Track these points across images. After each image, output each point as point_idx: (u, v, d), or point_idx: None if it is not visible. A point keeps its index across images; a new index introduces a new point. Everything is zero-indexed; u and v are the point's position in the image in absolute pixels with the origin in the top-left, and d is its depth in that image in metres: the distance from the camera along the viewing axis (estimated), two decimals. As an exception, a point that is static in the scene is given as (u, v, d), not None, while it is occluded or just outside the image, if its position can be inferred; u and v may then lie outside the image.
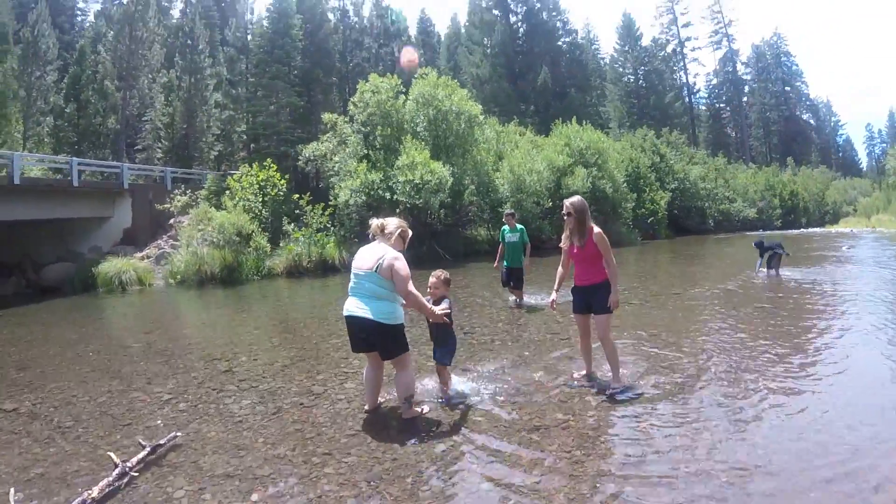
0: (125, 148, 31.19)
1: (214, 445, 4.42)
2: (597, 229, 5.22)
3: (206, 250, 16.91)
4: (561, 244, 5.48)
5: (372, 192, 19.51)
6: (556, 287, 5.63)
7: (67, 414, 5.32)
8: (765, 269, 13.14)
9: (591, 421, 4.65)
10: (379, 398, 5.10)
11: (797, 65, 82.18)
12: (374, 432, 4.58)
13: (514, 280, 9.99)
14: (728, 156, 51.87)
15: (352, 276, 4.73)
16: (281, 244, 18.67)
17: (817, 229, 40.25)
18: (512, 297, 10.25)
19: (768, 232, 33.70)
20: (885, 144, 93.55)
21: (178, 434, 4.55)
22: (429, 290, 5.20)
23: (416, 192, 19.06)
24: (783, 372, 5.75)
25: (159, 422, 5.00)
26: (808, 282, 11.98)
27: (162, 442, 4.33)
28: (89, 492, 3.58)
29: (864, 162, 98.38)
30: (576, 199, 5.33)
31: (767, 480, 3.56)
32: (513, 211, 10.88)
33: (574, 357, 6.43)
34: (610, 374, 5.43)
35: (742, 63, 77.06)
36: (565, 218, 5.30)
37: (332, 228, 19.54)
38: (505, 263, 9.99)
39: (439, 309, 4.96)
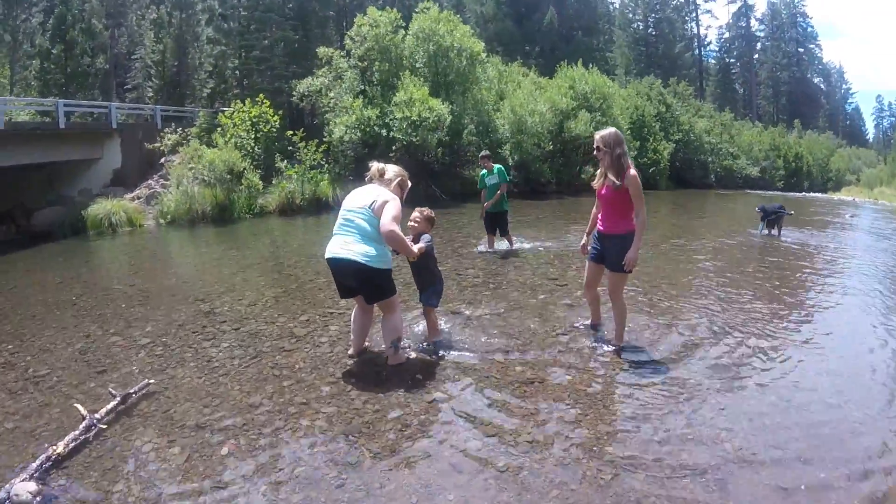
0: (115, 88, 30.12)
1: (188, 393, 4.12)
2: (633, 171, 4.56)
3: (196, 189, 16.41)
4: (593, 183, 4.88)
5: (368, 129, 18.84)
6: (588, 230, 5.13)
7: (43, 362, 4.96)
8: (767, 230, 12.73)
9: (588, 377, 4.34)
10: (365, 342, 4.77)
11: (812, 27, 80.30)
12: (356, 380, 4.26)
13: (499, 226, 9.35)
14: (735, 112, 50.60)
15: (340, 215, 4.32)
16: (274, 182, 18.10)
17: (819, 194, 39.62)
18: (481, 247, 9.63)
19: (770, 193, 33.19)
20: (894, 118, 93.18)
21: (151, 382, 4.24)
22: (409, 224, 4.79)
23: (413, 129, 18.39)
24: (778, 331, 5.51)
25: (135, 367, 4.68)
26: (813, 246, 11.56)
27: (133, 391, 4.03)
28: (55, 447, 3.30)
29: (870, 133, 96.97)
30: (608, 131, 4.70)
31: (755, 444, 3.37)
32: (488, 152, 9.81)
33: (574, 305, 6.11)
34: (614, 330, 5.01)
35: (756, 19, 74.74)
36: (595, 154, 4.72)
37: (327, 166, 18.91)
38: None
39: (417, 246, 4.55)
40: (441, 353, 4.73)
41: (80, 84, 30.27)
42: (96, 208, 15.46)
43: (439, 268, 5.13)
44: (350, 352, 4.70)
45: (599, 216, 4.89)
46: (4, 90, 27.37)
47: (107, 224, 15.08)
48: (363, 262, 4.06)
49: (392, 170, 4.52)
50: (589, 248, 5.09)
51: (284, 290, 7.11)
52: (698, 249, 10.48)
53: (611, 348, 4.86)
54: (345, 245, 4.14)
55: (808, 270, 8.78)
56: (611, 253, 4.70)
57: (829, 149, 56.99)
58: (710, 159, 36.95)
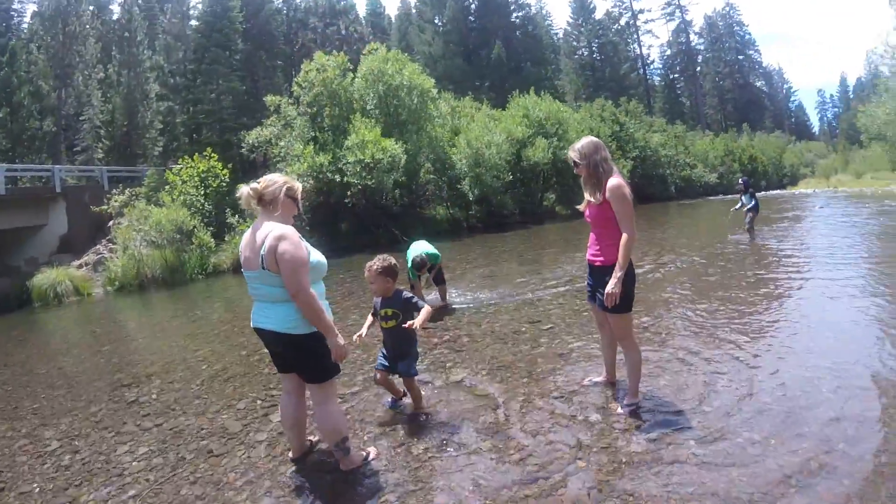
0: (64, 150, 29.11)
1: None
2: (615, 180, 3.74)
3: (144, 252, 15.58)
4: (579, 207, 4.09)
5: (321, 176, 18.23)
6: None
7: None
8: (744, 210, 12.92)
9: (604, 457, 3.44)
10: (308, 438, 3.81)
11: (750, 34, 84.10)
12: (301, 496, 3.31)
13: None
14: (685, 124, 51.85)
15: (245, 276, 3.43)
16: (226, 238, 17.32)
17: (780, 191, 40.53)
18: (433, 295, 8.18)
19: (732, 196, 33.61)
20: (836, 109, 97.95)
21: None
22: (370, 287, 4.09)
23: (367, 172, 17.87)
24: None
25: (35, 486, 3.86)
26: (797, 244, 11.43)
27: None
28: None
29: (816, 126, 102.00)
30: (583, 140, 3.92)
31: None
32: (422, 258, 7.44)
33: (566, 353, 5.39)
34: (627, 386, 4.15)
35: (695, 33, 78.11)
36: (576, 171, 3.93)
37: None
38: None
39: (416, 322, 3.82)
40: (428, 428, 3.94)
41: (27, 147, 29.28)
42: (41, 278, 14.64)
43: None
44: (290, 455, 3.72)
45: (589, 243, 4.07)
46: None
47: (52, 295, 14.22)
48: (284, 331, 3.20)
49: (270, 183, 3.30)
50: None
51: (223, 367, 6.20)
52: (668, 262, 10.05)
53: (625, 408, 3.96)
54: (262, 313, 3.31)
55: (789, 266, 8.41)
56: (601, 290, 3.86)
57: (780, 146, 59.08)
58: (668, 172, 37.50)
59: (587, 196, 3.87)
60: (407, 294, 4.05)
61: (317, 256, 3.31)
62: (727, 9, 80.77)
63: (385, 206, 19.26)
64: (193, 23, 35.92)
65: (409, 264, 7.38)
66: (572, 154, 3.89)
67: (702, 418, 3.79)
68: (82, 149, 28.98)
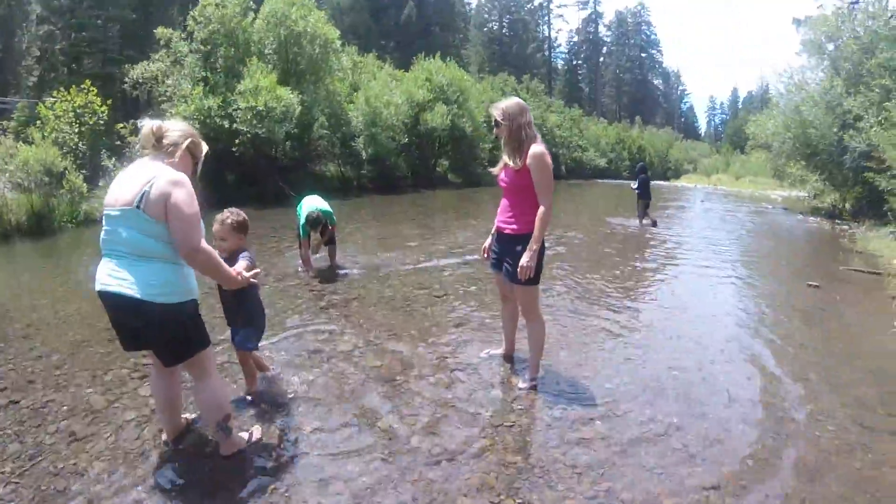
0: None
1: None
2: (538, 147, 3.59)
3: (9, 196, 14.18)
4: (493, 170, 3.92)
5: (208, 120, 17.46)
6: (493, 229, 4.05)
7: None
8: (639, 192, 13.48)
9: (501, 437, 3.42)
10: (184, 416, 3.40)
11: (655, 34, 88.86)
12: (176, 487, 2.94)
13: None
14: (581, 109, 54.13)
15: (103, 219, 2.75)
16: (101, 183, 16.13)
17: (663, 182, 43.46)
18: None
19: (617, 181, 35.70)
20: (725, 115, 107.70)
21: None
22: (215, 242, 3.44)
23: (258, 120, 17.32)
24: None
25: None
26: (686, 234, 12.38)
27: None
28: None
29: (703, 129, 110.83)
30: (509, 100, 3.73)
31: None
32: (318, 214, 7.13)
33: (464, 324, 5.40)
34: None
35: (604, 25, 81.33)
36: (496, 132, 3.74)
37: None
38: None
39: (238, 269, 3.14)
40: (277, 409, 3.68)
41: None
42: None
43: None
44: (164, 437, 3.29)
45: (499, 209, 3.90)
46: None
47: None
48: (145, 298, 2.59)
49: (175, 129, 2.87)
50: (490, 251, 4.12)
51: (92, 331, 5.50)
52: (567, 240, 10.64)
53: (526, 383, 3.95)
54: (114, 273, 2.65)
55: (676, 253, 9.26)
56: (513, 256, 3.71)
57: (668, 141, 63.16)
58: (561, 152, 39.14)
59: (505, 159, 3.70)
60: (247, 255, 3.49)
61: None
62: (638, 7, 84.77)
63: (275, 158, 18.81)
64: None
65: (303, 220, 7.03)
66: (495, 112, 3.69)
67: (605, 393, 3.96)
68: (-51, 75, 25.94)
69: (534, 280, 3.69)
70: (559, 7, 72.75)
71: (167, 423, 3.25)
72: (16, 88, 26.19)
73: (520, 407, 3.74)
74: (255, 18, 20.68)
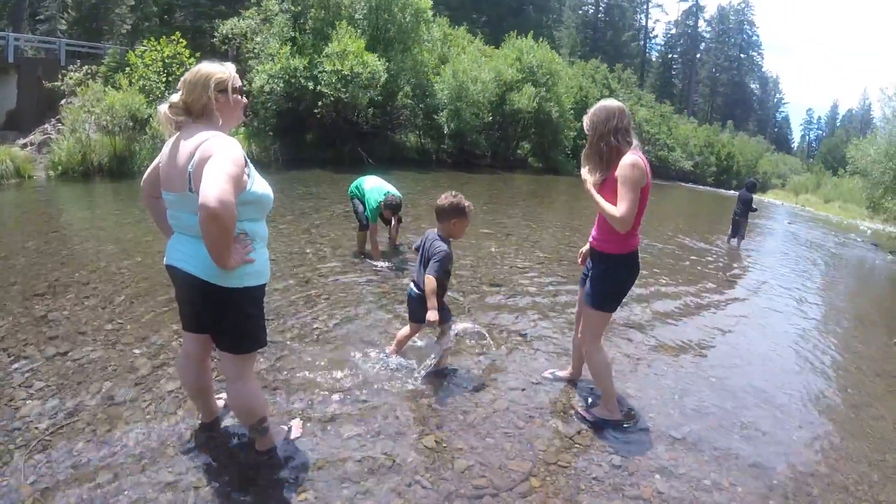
0: (26, 18, 26.74)
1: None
2: (628, 158, 2.98)
3: (94, 136, 14.29)
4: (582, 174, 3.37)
5: (293, 80, 17.15)
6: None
7: None
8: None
9: (559, 473, 3.00)
10: (219, 398, 3.10)
11: (758, 35, 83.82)
12: (203, 476, 2.66)
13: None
14: (672, 105, 51.56)
15: (164, 199, 2.51)
16: (183, 133, 16.16)
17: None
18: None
19: (701, 188, 33.61)
20: (821, 132, 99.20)
21: None
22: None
23: (343, 84, 16.85)
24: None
25: None
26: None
27: None
28: None
29: (795, 142, 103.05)
30: (597, 106, 3.19)
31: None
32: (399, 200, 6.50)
33: (544, 346, 4.63)
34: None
35: (704, 20, 77.19)
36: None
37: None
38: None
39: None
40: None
41: (-13, 11, 26.96)
42: (-20, 156, 13.26)
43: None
44: (200, 418, 3.04)
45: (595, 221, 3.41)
46: None
47: (-9, 175, 12.92)
48: (207, 279, 2.35)
49: (191, 85, 2.38)
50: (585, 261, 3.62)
51: (151, 285, 5.26)
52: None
53: (589, 417, 3.48)
54: (181, 248, 2.44)
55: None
56: (592, 276, 3.31)
57: (759, 151, 59.29)
58: (646, 148, 37.20)
59: (586, 173, 3.20)
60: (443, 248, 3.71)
61: (262, 187, 2.43)
62: (742, 4, 79.96)
63: (356, 123, 18.32)
64: None
65: (372, 204, 6.25)
66: (584, 121, 3.20)
67: (668, 445, 3.38)
68: (45, 17, 26.74)
69: (605, 304, 3.27)
70: (659, -4, 69.22)
71: (202, 409, 3.02)
72: (108, 35, 26.70)
73: (578, 445, 3.27)
74: (348, -19, 20.16)
